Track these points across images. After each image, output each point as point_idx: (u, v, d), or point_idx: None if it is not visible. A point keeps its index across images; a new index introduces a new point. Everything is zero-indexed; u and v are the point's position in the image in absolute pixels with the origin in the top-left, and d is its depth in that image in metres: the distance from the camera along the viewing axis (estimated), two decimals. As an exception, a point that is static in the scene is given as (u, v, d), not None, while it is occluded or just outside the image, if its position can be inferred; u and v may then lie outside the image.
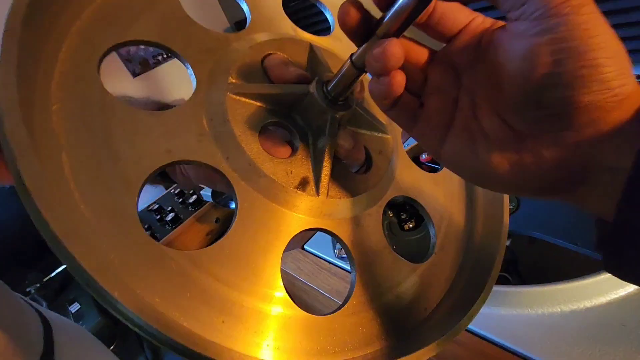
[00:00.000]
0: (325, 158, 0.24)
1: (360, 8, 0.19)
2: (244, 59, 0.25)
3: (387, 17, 0.18)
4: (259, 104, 0.24)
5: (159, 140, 0.21)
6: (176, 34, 0.24)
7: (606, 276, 0.45)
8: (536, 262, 0.57)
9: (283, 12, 0.30)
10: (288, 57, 0.27)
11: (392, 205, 0.64)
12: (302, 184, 0.23)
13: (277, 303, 0.21)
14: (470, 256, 0.29)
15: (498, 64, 0.17)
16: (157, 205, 1.30)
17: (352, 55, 0.21)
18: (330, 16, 0.33)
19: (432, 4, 0.17)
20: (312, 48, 0.28)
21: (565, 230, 0.55)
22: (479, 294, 0.25)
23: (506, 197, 0.30)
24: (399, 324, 0.25)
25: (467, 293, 0.27)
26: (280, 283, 0.21)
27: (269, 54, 0.26)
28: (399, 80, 0.19)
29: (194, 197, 1.30)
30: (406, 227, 0.70)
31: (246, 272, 0.21)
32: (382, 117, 0.30)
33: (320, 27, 1.28)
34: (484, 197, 0.32)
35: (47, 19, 0.19)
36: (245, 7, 0.29)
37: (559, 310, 0.46)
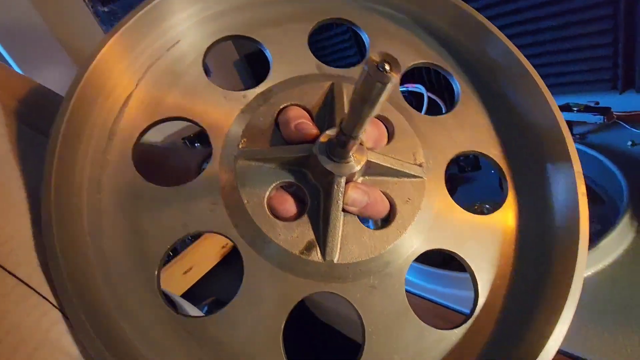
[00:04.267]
0: (332, 219, 0.23)
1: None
2: (257, 118, 0.26)
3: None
4: (269, 165, 0.25)
5: (177, 214, 0.24)
6: (196, 103, 0.26)
7: None
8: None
9: (307, 49, 0.29)
10: (305, 107, 0.26)
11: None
12: (308, 248, 0.23)
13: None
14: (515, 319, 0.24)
15: None
16: None
17: (341, 121, 0.20)
18: (366, 37, 0.30)
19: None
20: (332, 88, 0.27)
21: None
22: None
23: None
24: None
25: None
26: (281, 350, 0.22)
27: (284, 107, 0.26)
28: None
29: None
30: None
31: (249, 340, 0.22)
32: (420, 155, 0.27)
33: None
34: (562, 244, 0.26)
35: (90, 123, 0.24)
36: (267, 53, 0.29)
37: None
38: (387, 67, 0.15)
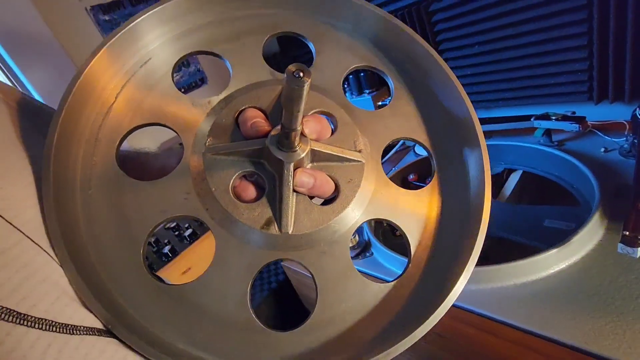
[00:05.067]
0: (285, 199, 0.28)
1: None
2: (221, 119, 0.31)
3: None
4: (232, 158, 0.30)
5: (156, 203, 0.29)
6: (168, 110, 0.31)
7: (544, 255, 0.63)
8: (504, 258, 0.68)
9: (262, 59, 0.34)
10: (261, 108, 0.31)
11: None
12: (267, 224, 0.28)
13: (242, 326, 0.27)
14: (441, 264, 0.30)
15: None
16: (174, 223, 1.39)
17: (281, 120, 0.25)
18: (312, 46, 0.35)
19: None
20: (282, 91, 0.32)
21: (524, 231, 0.78)
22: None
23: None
24: (371, 336, 0.28)
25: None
26: (248, 307, 0.27)
27: (242, 109, 0.31)
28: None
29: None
30: (397, 233, 0.94)
31: (221, 301, 0.27)
32: (360, 143, 0.32)
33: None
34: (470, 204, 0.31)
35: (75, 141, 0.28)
36: (228, 64, 0.33)
37: (512, 283, 0.64)
38: (301, 74, 0.20)
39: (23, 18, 1.34)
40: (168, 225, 1.46)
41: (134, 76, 0.31)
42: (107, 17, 1.60)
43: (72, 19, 1.49)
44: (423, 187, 0.32)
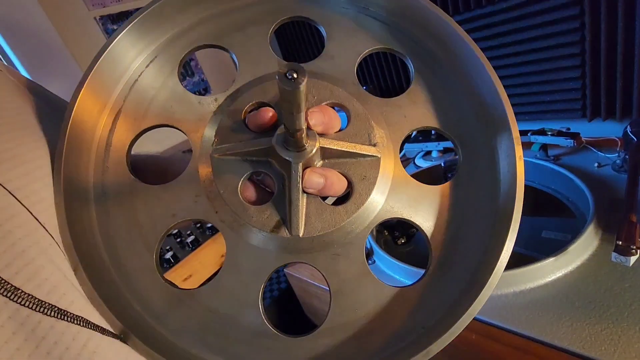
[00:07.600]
0: (294, 201, 0.27)
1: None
2: (227, 118, 0.29)
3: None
4: (239, 158, 0.28)
5: (167, 207, 0.28)
6: (175, 111, 0.30)
7: (541, 264, 0.65)
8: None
9: (269, 49, 0.32)
10: (268, 103, 0.30)
11: (387, 225, 0.95)
12: (277, 227, 0.27)
13: (255, 330, 0.26)
14: (465, 276, 0.28)
15: None
16: (176, 230, 1.38)
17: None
18: (324, 31, 0.33)
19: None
20: None
21: (522, 241, 0.81)
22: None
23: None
24: (384, 343, 0.27)
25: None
26: (260, 312, 0.27)
27: (249, 105, 0.30)
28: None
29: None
30: (399, 242, 0.94)
31: (233, 305, 0.26)
32: (375, 136, 0.29)
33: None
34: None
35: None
36: (234, 57, 0.32)
37: (511, 291, 0.66)
38: (294, 75, 0.19)
39: (35, 27, 1.39)
40: (170, 232, 1.48)
41: (140, 77, 0.31)
42: (115, 27, 1.62)
43: (82, 29, 1.54)
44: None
